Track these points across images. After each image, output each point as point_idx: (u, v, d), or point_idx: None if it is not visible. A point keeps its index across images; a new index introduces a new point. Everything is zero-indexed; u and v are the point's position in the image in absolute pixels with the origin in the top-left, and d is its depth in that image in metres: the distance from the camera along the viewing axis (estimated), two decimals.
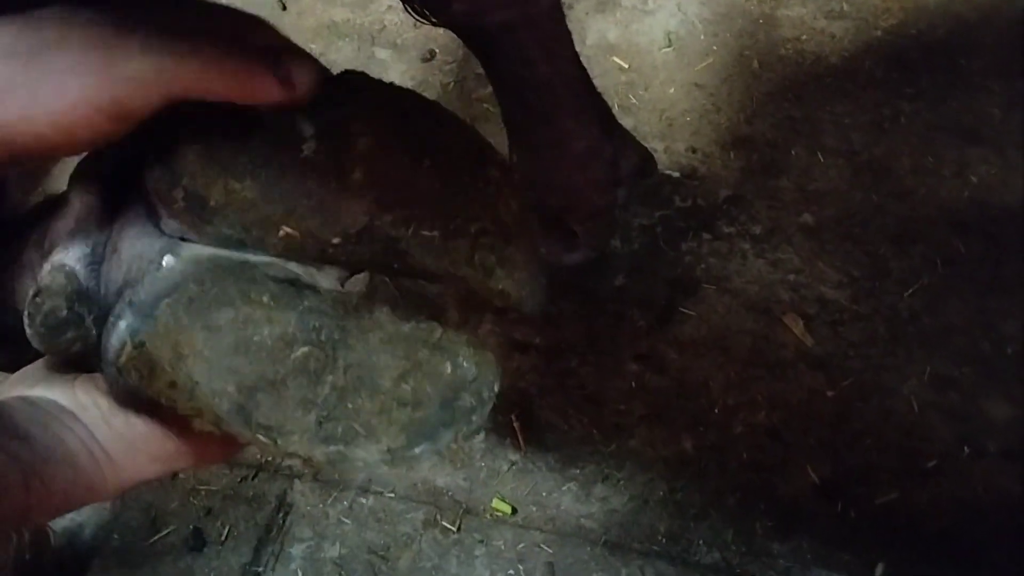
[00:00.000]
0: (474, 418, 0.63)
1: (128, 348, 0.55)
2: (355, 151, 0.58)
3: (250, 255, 0.58)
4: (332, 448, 0.58)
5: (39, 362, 0.62)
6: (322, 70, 0.61)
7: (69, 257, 0.59)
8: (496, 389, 0.65)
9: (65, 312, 0.58)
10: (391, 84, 0.66)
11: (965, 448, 1.40)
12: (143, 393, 0.56)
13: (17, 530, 1.36)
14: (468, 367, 0.63)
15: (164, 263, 0.56)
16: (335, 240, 0.58)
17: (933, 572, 1.31)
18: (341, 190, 0.57)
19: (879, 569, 1.32)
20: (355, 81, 0.65)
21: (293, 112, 0.59)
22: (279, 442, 0.57)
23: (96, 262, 0.59)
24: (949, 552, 1.33)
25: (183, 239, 0.58)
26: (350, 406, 0.58)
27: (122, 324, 0.55)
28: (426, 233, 0.59)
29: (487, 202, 0.63)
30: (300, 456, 0.58)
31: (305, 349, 0.57)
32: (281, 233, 0.57)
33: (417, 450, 0.61)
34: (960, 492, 1.37)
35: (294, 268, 0.61)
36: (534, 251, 0.66)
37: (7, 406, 0.56)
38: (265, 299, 0.56)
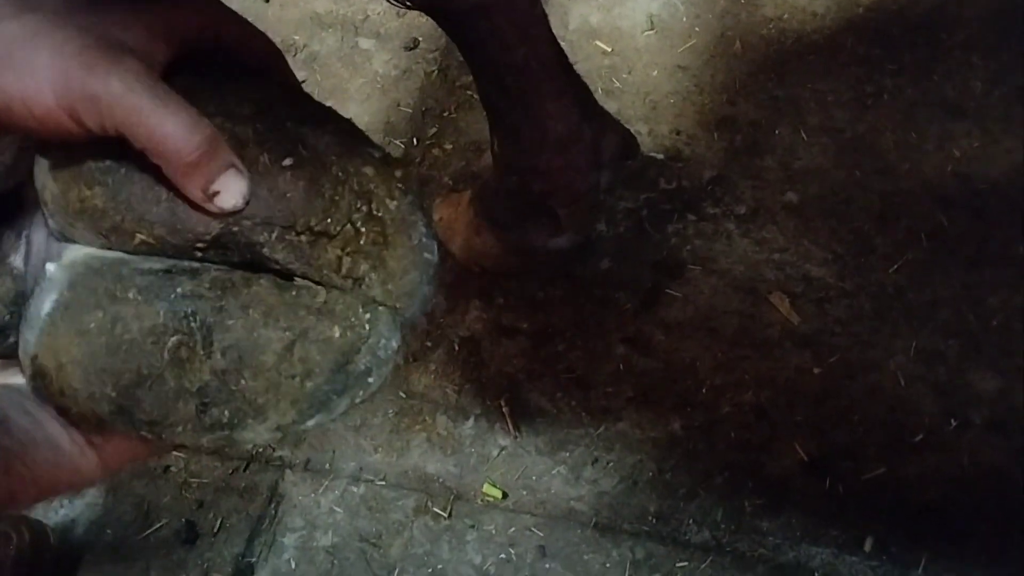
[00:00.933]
0: (371, 380, 0.61)
1: (27, 361, 0.55)
2: None
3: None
4: (218, 434, 0.57)
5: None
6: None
7: (16, 259, 0.58)
8: (395, 346, 0.62)
9: (7, 318, 0.57)
10: (257, 77, 0.63)
11: (952, 421, 1.40)
12: (51, 401, 0.56)
13: (16, 528, 1.37)
14: (359, 328, 0.59)
15: (48, 272, 0.55)
16: (199, 245, 0.56)
17: (921, 545, 1.32)
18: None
19: (868, 543, 1.33)
20: (214, 75, 0.61)
21: None
22: (164, 435, 0.56)
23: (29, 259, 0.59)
24: (937, 525, 1.33)
25: (66, 238, 0.57)
26: (233, 388, 0.56)
27: (22, 338, 0.55)
28: (289, 238, 0.56)
29: (360, 202, 0.60)
30: (187, 446, 0.57)
31: (175, 338, 0.55)
32: (136, 240, 0.55)
33: (311, 422, 0.59)
34: (947, 465, 1.37)
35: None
36: (416, 256, 0.61)
37: None
38: (131, 295, 0.55)
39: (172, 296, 0.55)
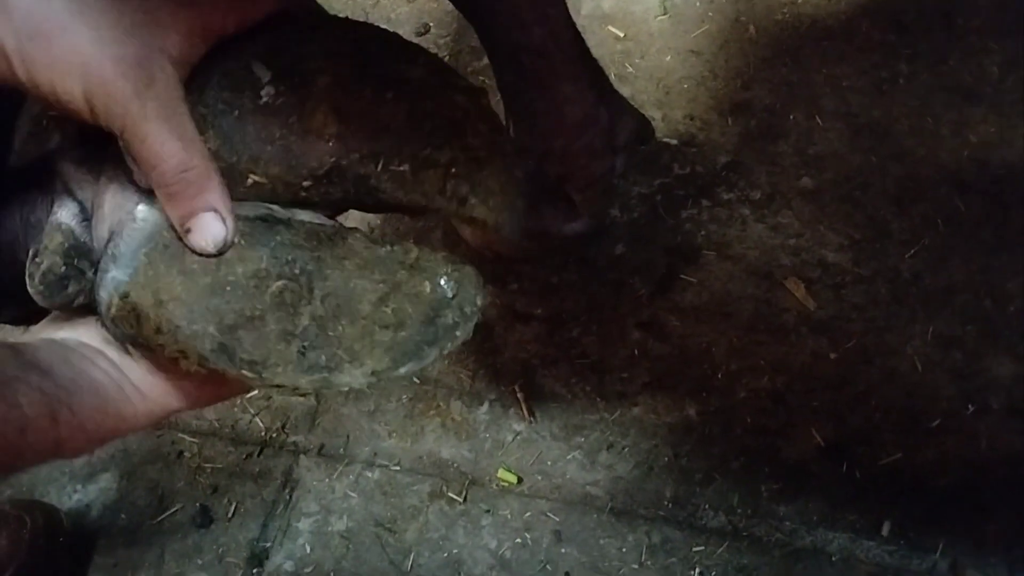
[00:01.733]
0: (458, 334, 0.65)
1: (115, 299, 0.56)
2: (315, 91, 0.58)
3: None
4: (317, 376, 0.59)
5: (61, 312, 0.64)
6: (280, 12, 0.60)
7: (64, 215, 0.59)
8: (479, 303, 0.66)
9: (63, 268, 0.58)
10: (346, 19, 0.66)
11: (969, 406, 1.40)
12: (137, 340, 0.57)
13: (29, 511, 1.37)
14: (447, 284, 0.63)
15: (138, 214, 0.57)
16: (305, 183, 0.59)
17: (939, 529, 1.31)
18: (304, 133, 0.58)
19: (885, 528, 1.33)
20: (310, 18, 0.64)
21: (248, 56, 0.58)
22: (264, 375, 0.59)
23: (87, 218, 0.59)
24: (955, 509, 1.33)
25: None
26: (331, 334, 0.59)
27: (108, 277, 0.57)
28: (395, 168, 0.59)
29: (455, 129, 0.63)
30: (286, 387, 0.59)
31: (280, 283, 0.57)
32: (249, 182, 0.58)
33: (403, 370, 0.63)
34: (965, 450, 1.37)
35: (267, 205, 0.61)
36: (509, 174, 0.65)
37: (29, 345, 0.57)
38: (236, 238, 0.57)
39: (272, 244, 0.58)
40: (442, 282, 0.63)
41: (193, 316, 0.56)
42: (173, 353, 0.57)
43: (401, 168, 0.60)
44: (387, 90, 0.60)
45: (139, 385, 0.59)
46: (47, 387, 0.52)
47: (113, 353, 0.60)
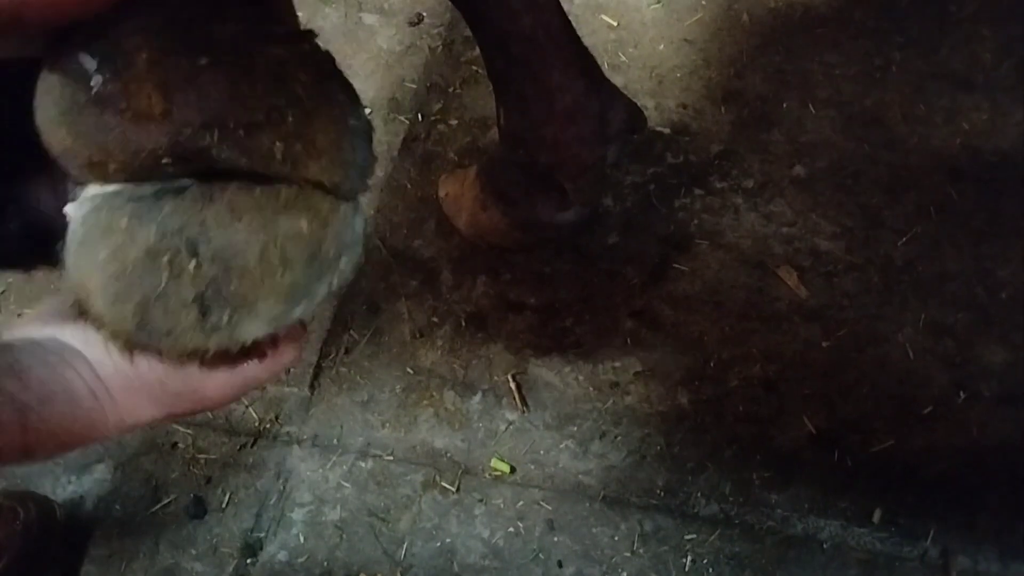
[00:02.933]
0: (343, 264, 0.66)
1: (70, 294, 0.60)
2: (136, 72, 0.58)
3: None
4: (222, 334, 0.62)
5: (55, 301, 0.66)
6: None
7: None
8: (358, 229, 0.67)
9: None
10: None
11: (961, 394, 1.40)
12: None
13: (23, 503, 1.37)
14: (323, 217, 0.64)
15: (67, 213, 0.60)
16: (164, 161, 0.60)
17: (930, 516, 1.32)
18: (136, 117, 0.59)
19: (876, 515, 1.33)
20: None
21: (75, 47, 0.59)
22: (179, 343, 0.62)
23: None
24: (946, 496, 1.33)
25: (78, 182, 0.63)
26: (225, 292, 0.61)
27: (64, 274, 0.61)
28: (229, 135, 0.60)
29: (277, 85, 0.62)
30: (198, 350, 0.63)
31: (167, 256, 0.60)
32: (111, 169, 0.60)
33: (298, 310, 0.65)
34: (956, 438, 1.37)
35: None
36: (342, 125, 0.65)
37: (12, 347, 0.58)
38: (125, 223, 0.59)
39: (159, 217, 0.60)
40: (318, 216, 0.64)
41: (110, 302, 0.60)
42: (110, 338, 0.61)
43: (235, 135, 0.60)
44: (201, 55, 0.59)
45: (113, 392, 0.60)
46: (21, 395, 0.54)
47: (94, 354, 0.61)
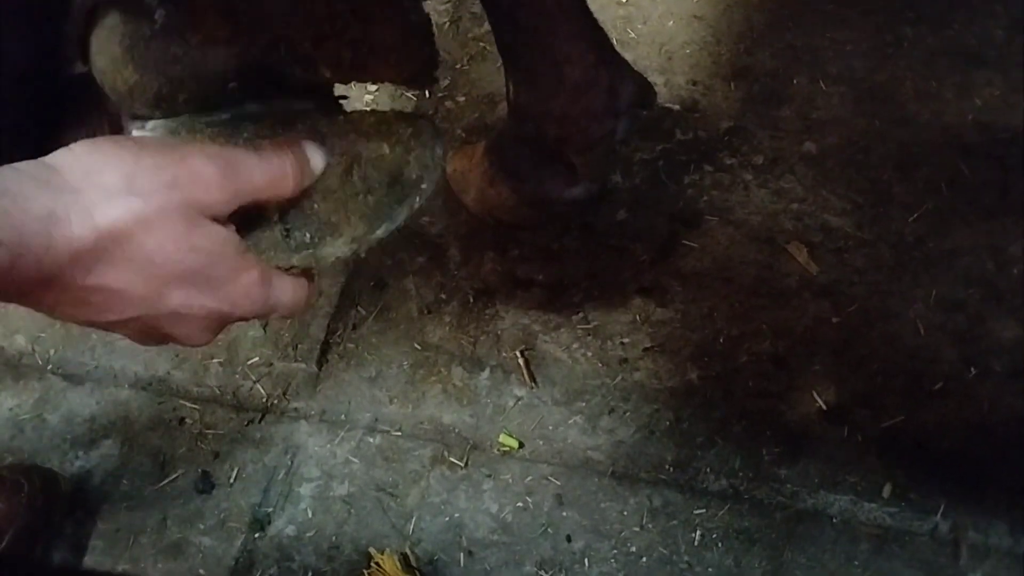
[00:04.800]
0: (423, 186, 0.68)
1: None
2: (198, 1, 0.60)
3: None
4: (305, 253, 0.63)
5: None
6: None
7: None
8: (439, 151, 0.68)
9: None
10: None
11: (971, 369, 1.39)
12: None
13: (27, 476, 1.37)
14: (405, 141, 0.66)
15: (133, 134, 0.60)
16: (231, 86, 0.61)
17: (940, 491, 1.31)
18: (201, 43, 0.60)
19: (886, 490, 1.32)
20: None
21: None
22: (265, 261, 0.62)
23: None
24: (956, 472, 1.33)
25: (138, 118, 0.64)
26: (308, 212, 0.62)
27: None
28: (295, 50, 0.61)
29: None
30: (283, 267, 0.63)
31: None
32: (180, 100, 0.62)
33: (379, 231, 0.67)
34: (966, 413, 1.36)
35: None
36: (404, 24, 0.67)
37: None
38: (206, 140, 0.61)
39: (240, 140, 0.62)
40: (401, 140, 0.66)
41: None
42: None
43: (301, 48, 0.62)
44: None
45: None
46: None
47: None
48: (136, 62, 0.61)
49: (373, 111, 0.65)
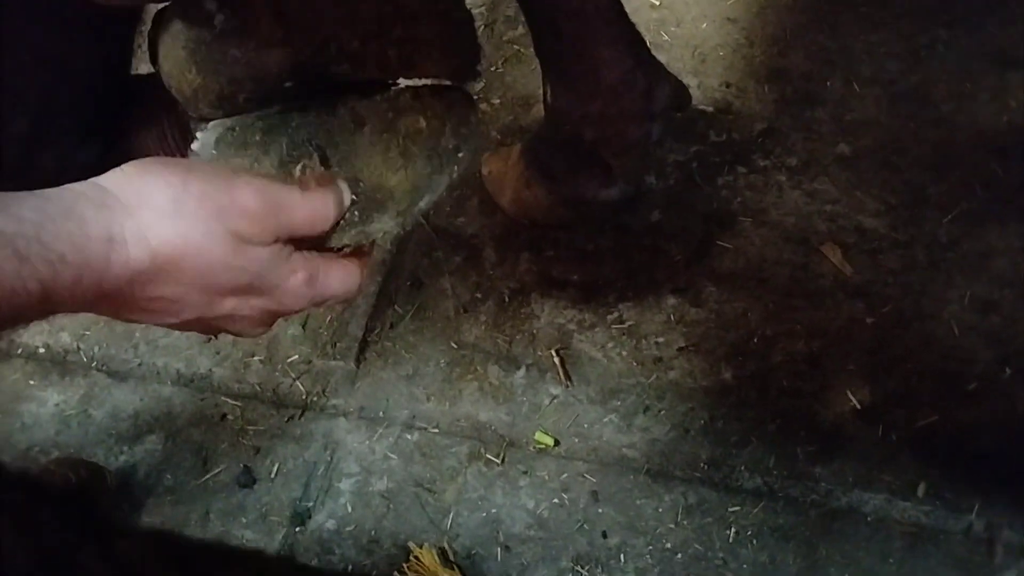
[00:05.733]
0: (461, 155, 0.71)
1: None
2: (254, 6, 0.63)
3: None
4: (355, 231, 0.66)
5: None
6: None
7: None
8: (473, 120, 0.72)
9: None
10: None
11: (1006, 369, 1.40)
12: None
13: (74, 469, 1.40)
14: (441, 113, 0.69)
15: (195, 148, 0.63)
16: (286, 85, 0.65)
17: (975, 490, 1.32)
18: (258, 46, 0.63)
19: (921, 489, 1.33)
20: None
21: None
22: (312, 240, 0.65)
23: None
24: (991, 471, 1.33)
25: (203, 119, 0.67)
26: (355, 192, 0.65)
27: None
28: (345, 50, 0.65)
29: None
30: (335, 247, 0.67)
31: (300, 165, 0.64)
32: (241, 100, 0.65)
33: (423, 203, 0.70)
34: (1001, 413, 1.37)
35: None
36: (446, 21, 0.69)
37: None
38: (257, 138, 0.65)
39: (289, 130, 0.65)
40: (435, 112, 0.68)
41: None
42: None
43: (350, 48, 0.65)
44: None
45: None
46: (7, 225, 0.51)
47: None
48: (199, 65, 0.64)
49: (408, 87, 0.68)
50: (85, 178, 0.58)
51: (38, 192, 0.55)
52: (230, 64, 0.64)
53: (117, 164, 0.59)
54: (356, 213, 0.66)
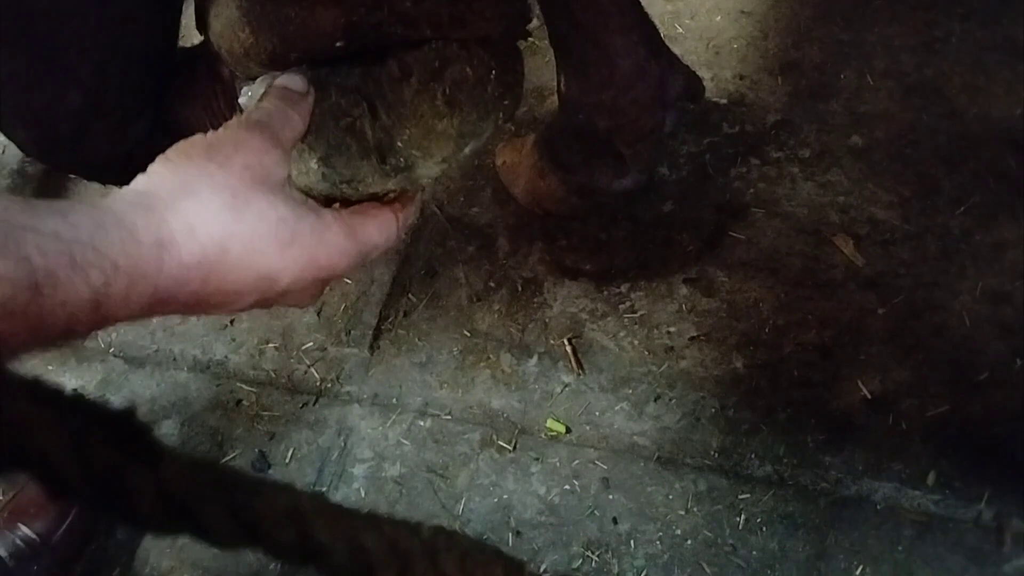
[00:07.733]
0: (506, 103, 0.72)
1: None
2: None
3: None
4: (400, 176, 0.69)
5: None
6: None
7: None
8: (519, 68, 0.74)
9: None
10: None
11: (1017, 360, 1.40)
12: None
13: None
14: (486, 61, 0.70)
15: (243, 102, 0.64)
16: (338, 44, 0.66)
17: (985, 480, 1.32)
18: (312, 6, 0.66)
19: (931, 478, 1.34)
20: None
21: None
22: (359, 188, 0.69)
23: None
24: (1001, 461, 1.34)
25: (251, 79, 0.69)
26: (400, 139, 0.68)
27: None
28: (398, 7, 0.66)
29: None
30: (379, 192, 0.69)
31: (348, 116, 0.67)
32: (292, 58, 0.67)
33: (467, 149, 0.72)
34: (1012, 403, 1.37)
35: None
36: None
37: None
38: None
39: (337, 80, 0.66)
40: (482, 61, 0.69)
41: (295, 160, 0.66)
42: (305, 192, 0.69)
43: (403, 7, 0.67)
44: None
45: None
46: (64, 231, 0.49)
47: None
48: (252, 24, 0.66)
49: (451, 42, 0.69)
50: (137, 150, 0.60)
51: (89, 202, 0.55)
52: (284, 23, 0.65)
53: (166, 135, 0.61)
54: (402, 160, 0.68)
